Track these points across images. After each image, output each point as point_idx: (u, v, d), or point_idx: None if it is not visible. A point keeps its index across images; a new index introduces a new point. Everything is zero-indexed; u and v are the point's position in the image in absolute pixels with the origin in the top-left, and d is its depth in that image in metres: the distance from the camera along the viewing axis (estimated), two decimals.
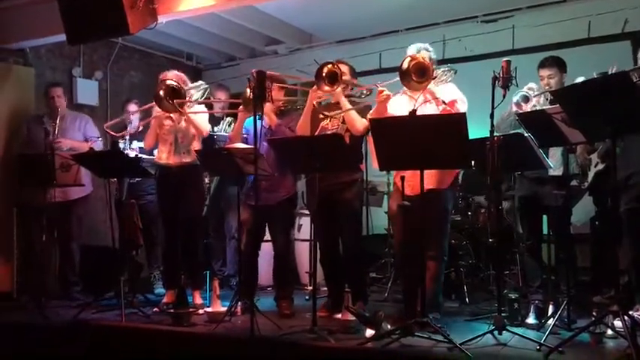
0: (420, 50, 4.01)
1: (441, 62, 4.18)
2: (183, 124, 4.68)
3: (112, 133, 4.90)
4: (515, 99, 4.02)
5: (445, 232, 4.09)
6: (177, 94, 4.45)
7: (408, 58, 3.81)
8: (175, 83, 4.49)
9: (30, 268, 5.27)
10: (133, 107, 5.63)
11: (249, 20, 6.67)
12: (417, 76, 3.77)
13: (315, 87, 4.22)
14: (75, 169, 4.84)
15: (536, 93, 4.03)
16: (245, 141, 4.62)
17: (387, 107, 4.02)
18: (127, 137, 5.31)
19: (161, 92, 4.42)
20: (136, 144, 5.50)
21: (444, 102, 3.83)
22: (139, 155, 5.13)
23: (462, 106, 3.89)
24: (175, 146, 4.69)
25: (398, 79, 3.87)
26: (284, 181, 4.50)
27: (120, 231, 4.95)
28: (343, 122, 4.29)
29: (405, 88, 3.93)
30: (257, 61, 7.54)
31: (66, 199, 5.19)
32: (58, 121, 5.25)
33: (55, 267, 5.52)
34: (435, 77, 3.84)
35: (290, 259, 4.78)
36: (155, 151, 4.90)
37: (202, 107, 4.86)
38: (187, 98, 4.57)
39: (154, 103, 4.56)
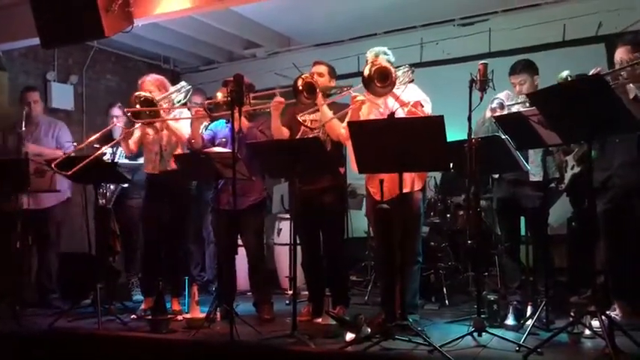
0: (378, 55, 3.99)
1: (419, 65, 4.19)
2: (165, 132, 4.64)
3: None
4: (492, 105, 4.04)
5: (419, 233, 4.11)
6: (151, 104, 4.41)
7: (370, 65, 3.80)
8: (149, 95, 4.43)
9: (5, 276, 5.16)
10: (117, 111, 5.55)
11: (226, 23, 6.64)
12: (380, 81, 3.77)
13: (276, 99, 4.25)
14: (49, 175, 4.76)
15: (511, 102, 4.05)
16: (212, 141, 4.62)
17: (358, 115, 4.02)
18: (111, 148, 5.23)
19: (137, 106, 4.36)
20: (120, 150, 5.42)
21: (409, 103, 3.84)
22: (115, 161, 5.07)
23: (426, 107, 3.91)
24: (161, 155, 4.64)
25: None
26: (254, 185, 4.46)
27: (96, 237, 4.87)
28: (324, 125, 4.29)
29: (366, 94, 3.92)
30: (235, 65, 7.52)
31: (39, 207, 5.10)
32: (28, 126, 5.13)
33: (32, 275, 5.42)
34: (396, 80, 3.83)
35: (264, 263, 4.74)
36: (141, 159, 4.86)
37: (184, 110, 4.80)
38: (166, 105, 4.52)
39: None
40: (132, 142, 4.72)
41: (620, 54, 3.86)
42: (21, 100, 5.39)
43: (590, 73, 3.57)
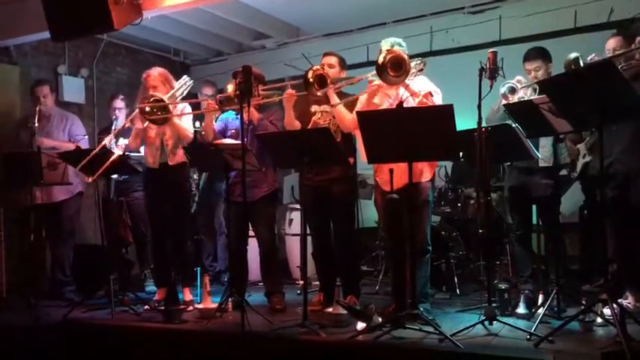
0: (393, 45, 3.97)
1: (428, 54, 4.17)
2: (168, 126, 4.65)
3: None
4: (502, 90, 4.02)
5: (428, 222, 4.11)
6: (163, 106, 4.42)
7: (384, 52, 3.79)
8: (159, 95, 4.44)
9: (20, 269, 5.23)
10: (119, 103, 5.59)
11: (235, 15, 6.63)
12: (394, 70, 3.75)
13: (288, 92, 4.26)
14: (62, 168, 4.79)
15: (523, 85, 4.03)
16: (222, 132, 4.63)
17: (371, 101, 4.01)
18: (113, 135, 5.25)
19: (147, 109, 4.37)
20: (122, 141, 5.46)
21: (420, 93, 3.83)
22: (127, 153, 5.09)
23: (436, 97, 3.90)
24: (162, 149, 4.67)
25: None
26: (266, 176, 4.48)
27: (106, 229, 4.91)
28: (334, 116, 4.29)
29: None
30: (245, 56, 7.51)
31: (52, 200, 5.14)
32: (41, 121, 5.16)
33: (46, 267, 5.48)
34: (409, 69, 3.81)
35: (276, 254, 4.77)
36: (142, 149, 4.87)
37: (188, 108, 4.80)
38: (173, 103, 4.54)
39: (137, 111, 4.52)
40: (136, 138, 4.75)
41: (613, 43, 3.87)
42: (31, 94, 5.42)
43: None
